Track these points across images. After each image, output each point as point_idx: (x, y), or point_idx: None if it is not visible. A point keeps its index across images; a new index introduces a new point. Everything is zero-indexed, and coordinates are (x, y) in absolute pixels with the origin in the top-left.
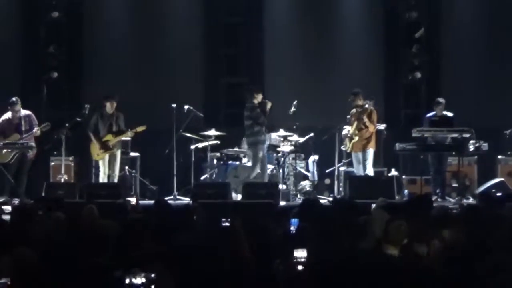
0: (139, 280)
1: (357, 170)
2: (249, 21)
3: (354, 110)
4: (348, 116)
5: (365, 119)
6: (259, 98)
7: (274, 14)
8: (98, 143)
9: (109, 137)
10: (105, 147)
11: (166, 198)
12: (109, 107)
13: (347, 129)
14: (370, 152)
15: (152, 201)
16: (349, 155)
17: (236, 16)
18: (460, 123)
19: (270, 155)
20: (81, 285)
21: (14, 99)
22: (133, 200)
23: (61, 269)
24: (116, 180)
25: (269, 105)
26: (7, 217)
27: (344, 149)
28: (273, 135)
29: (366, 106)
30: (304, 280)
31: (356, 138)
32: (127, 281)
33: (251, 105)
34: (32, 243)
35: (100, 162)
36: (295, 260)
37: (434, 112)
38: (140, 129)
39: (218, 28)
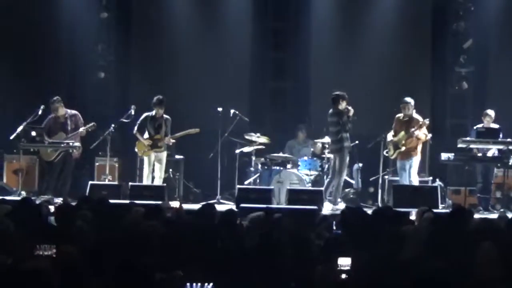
0: None
1: (402, 178)
2: (297, 25)
3: (401, 116)
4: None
5: (416, 132)
6: (343, 104)
7: (321, 19)
8: (145, 140)
9: (158, 136)
10: (153, 144)
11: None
12: (156, 111)
13: (391, 135)
14: (416, 160)
15: (195, 205)
16: (394, 163)
17: (284, 21)
18: (505, 135)
19: (315, 162)
20: (122, 285)
21: (54, 98)
22: (176, 203)
23: (104, 268)
24: (161, 183)
25: (351, 112)
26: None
27: (387, 154)
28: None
29: (415, 116)
30: None
31: (403, 148)
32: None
33: (338, 111)
34: (75, 243)
35: (145, 163)
36: (338, 268)
37: (482, 124)
38: (193, 131)
39: (266, 32)
